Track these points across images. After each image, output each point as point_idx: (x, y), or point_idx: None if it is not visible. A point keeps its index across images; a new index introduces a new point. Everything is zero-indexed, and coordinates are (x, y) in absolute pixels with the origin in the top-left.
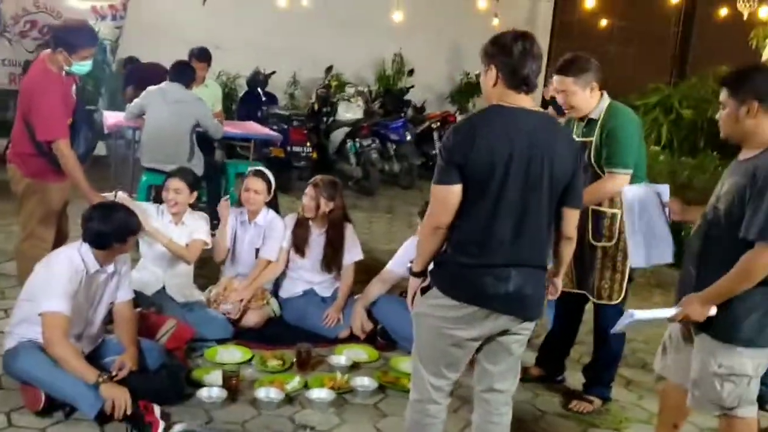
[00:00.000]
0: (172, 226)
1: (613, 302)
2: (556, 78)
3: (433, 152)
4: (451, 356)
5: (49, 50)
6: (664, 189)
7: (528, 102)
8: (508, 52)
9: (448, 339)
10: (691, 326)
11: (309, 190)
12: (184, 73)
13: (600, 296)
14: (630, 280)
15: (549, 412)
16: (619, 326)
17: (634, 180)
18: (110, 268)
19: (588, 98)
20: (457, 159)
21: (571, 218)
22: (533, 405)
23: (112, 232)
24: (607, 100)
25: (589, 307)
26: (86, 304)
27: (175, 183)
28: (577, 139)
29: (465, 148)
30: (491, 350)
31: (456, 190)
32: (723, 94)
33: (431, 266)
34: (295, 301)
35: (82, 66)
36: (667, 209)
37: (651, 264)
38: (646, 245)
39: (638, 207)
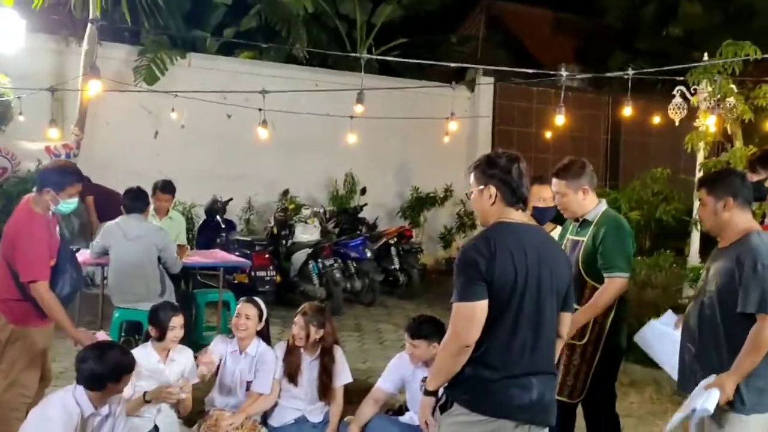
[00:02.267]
0: (161, 366)
1: (574, 401)
2: (553, 181)
3: (392, 267)
4: None
5: (33, 193)
6: (669, 314)
7: (525, 217)
8: (508, 172)
9: None
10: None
11: (298, 320)
12: (139, 199)
13: (561, 392)
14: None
15: None
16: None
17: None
18: (104, 410)
19: (580, 201)
20: (483, 275)
21: (567, 321)
22: None
23: (107, 373)
24: (604, 206)
25: None
26: None
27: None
28: (571, 237)
29: (489, 264)
30: None
31: (484, 306)
32: (702, 193)
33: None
34: (287, 430)
35: (69, 204)
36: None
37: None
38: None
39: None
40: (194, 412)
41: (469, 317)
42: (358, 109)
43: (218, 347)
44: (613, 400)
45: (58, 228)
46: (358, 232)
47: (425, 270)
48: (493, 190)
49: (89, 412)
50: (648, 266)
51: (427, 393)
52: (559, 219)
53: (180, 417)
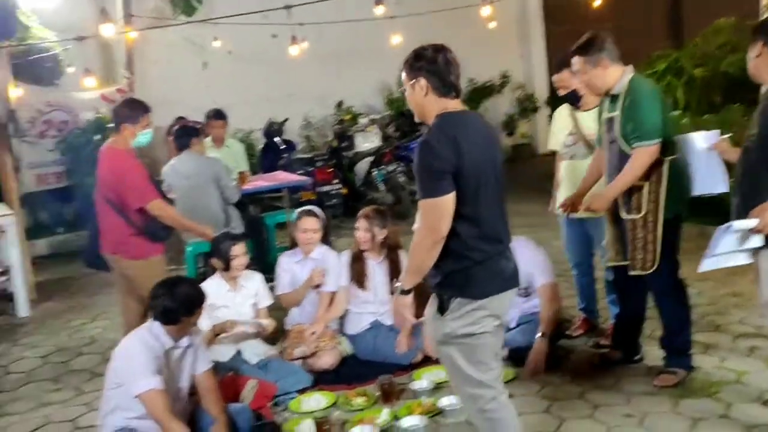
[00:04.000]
0: (232, 294)
1: (647, 272)
2: (572, 61)
3: None
4: (494, 346)
5: (112, 137)
6: (714, 133)
7: (461, 105)
8: (434, 62)
9: (488, 335)
10: None
11: (361, 223)
12: (184, 136)
13: (634, 267)
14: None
15: (637, 392)
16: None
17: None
18: (185, 341)
19: (601, 75)
20: (449, 168)
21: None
22: (620, 389)
23: (178, 306)
24: (629, 75)
25: None
26: (170, 381)
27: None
28: (606, 115)
29: (451, 155)
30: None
31: (452, 198)
32: (758, 40)
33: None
34: (364, 336)
35: (145, 135)
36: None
37: (702, 193)
38: (699, 178)
39: (689, 147)
40: (276, 333)
41: (440, 211)
42: (379, 11)
43: (283, 263)
44: (677, 268)
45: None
46: (418, 132)
47: None
48: (423, 81)
49: (169, 345)
50: (716, 124)
51: (403, 292)
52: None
53: (263, 339)
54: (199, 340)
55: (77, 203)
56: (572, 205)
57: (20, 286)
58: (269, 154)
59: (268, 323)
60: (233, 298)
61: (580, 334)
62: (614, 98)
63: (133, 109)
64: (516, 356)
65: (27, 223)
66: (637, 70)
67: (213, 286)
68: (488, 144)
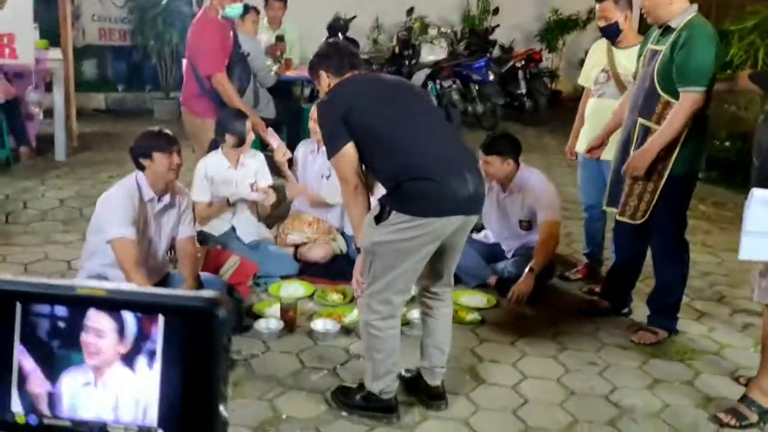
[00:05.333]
0: (233, 171)
1: (635, 222)
2: None
3: (519, 92)
4: (416, 272)
5: (207, 2)
6: None
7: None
8: (326, 57)
9: (416, 257)
10: None
11: None
12: None
13: (623, 212)
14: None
15: (610, 344)
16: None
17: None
18: (166, 198)
19: (667, 4)
20: (340, 119)
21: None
22: (595, 337)
23: (137, 148)
24: (692, 12)
25: None
26: (145, 234)
27: None
28: (651, 47)
29: (342, 106)
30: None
31: (351, 146)
32: None
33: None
34: None
35: (233, 8)
36: None
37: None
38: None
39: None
40: (278, 217)
41: (345, 161)
42: None
43: (301, 149)
44: (683, 228)
45: (231, 33)
46: (488, 54)
47: (559, 97)
48: (323, 75)
49: (149, 196)
50: None
51: (358, 250)
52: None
53: (258, 219)
54: (186, 204)
55: (139, 63)
56: (598, 147)
57: (60, 132)
58: None
59: (268, 195)
60: (233, 175)
61: (579, 278)
62: (666, 31)
63: None
64: (503, 286)
65: (90, 75)
66: (724, 23)
67: (214, 162)
68: (388, 83)
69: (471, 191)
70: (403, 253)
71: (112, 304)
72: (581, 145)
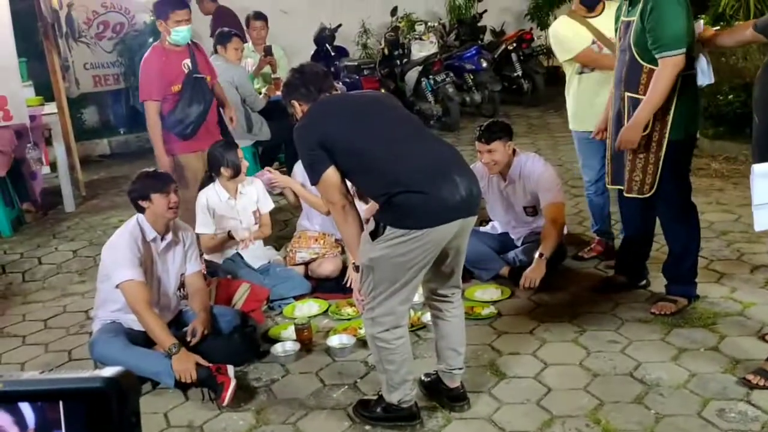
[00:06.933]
0: (233, 202)
1: (645, 195)
2: None
3: (515, 74)
4: (418, 281)
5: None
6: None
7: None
8: (297, 87)
9: (417, 267)
10: None
11: None
12: (220, 38)
13: (630, 189)
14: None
15: (630, 319)
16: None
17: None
18: (169, 236)
19: None
20: (318, 144)
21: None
22: (614, 314)
23: (134, 191)
24: None
25: None
26: (153, 274)
27: None
28: (623, 19)
29: (318, 130)
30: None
31: (333, 170)
32: None
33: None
34: None
35: (179, 32)
36: None
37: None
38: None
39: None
40: (285, 237)
41: (328, 185)
42: None
43: (300, 166)
44: (688, 191)
45: (188, 61)
46: (479, 41)
47: (558, 73)
48: (296, 104)
49: (152, 236)
50: None
51: (355, 268)
52: None
53: (265, 243)
54: (191, 240)
55: (135, 105)
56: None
57: (66, 183)
58: (318, 61)
59: (264, 230)
60: (233, 206)
61: (593, 257)
62: (634, 1)
63: (164, 4)
64: (516, 276)
65: (91, 122)
66: None
67: (213, 196)
68: (364, 99)
69: (463, 194)
70: (402, 266)
71: (8, 399)
72: (576, 124)
